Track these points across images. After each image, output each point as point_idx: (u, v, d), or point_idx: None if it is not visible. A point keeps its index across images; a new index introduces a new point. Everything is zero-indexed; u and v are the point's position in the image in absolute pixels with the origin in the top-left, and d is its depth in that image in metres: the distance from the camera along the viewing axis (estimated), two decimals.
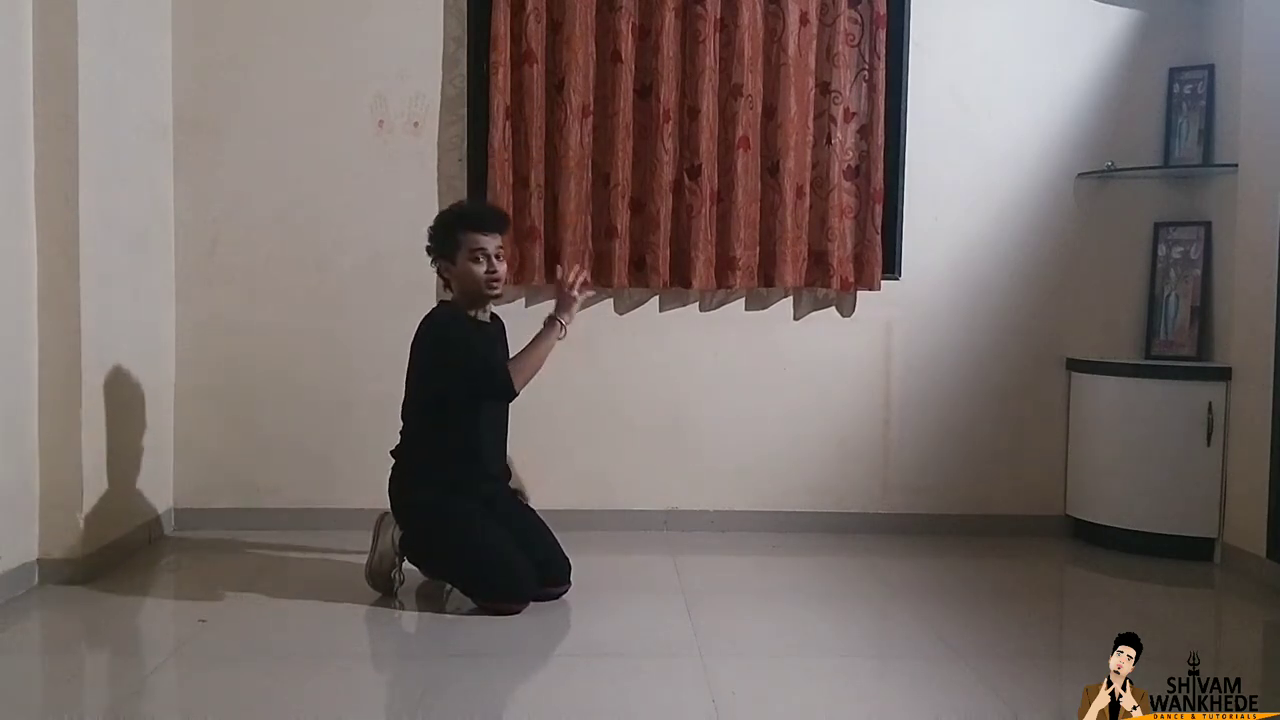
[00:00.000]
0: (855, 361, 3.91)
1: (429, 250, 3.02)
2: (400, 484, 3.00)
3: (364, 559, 3.09)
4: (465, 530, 2.91)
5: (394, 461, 3.03)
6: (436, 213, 3.86)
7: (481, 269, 2.94)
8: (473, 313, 3.01)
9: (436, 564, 3.01)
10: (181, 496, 3.79)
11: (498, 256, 2.97)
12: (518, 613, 2.87)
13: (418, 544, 2.96)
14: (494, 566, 2.88)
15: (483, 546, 2.90)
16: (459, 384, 2.90)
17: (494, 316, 3.14)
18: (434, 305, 3.10)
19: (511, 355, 2.99)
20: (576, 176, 3.73)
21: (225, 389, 3.79)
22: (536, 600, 2.92)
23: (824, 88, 3.80)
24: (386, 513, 3.07)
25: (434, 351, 2.91)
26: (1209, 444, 3.56)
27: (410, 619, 2.89)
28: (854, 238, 3.84)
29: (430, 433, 2.97)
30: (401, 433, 3.05)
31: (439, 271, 3.03)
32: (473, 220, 2.98)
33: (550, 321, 2.97)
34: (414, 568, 3.04)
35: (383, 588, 3.02)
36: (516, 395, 2.92)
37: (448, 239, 2.97)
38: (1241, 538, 3.47)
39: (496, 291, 2.98)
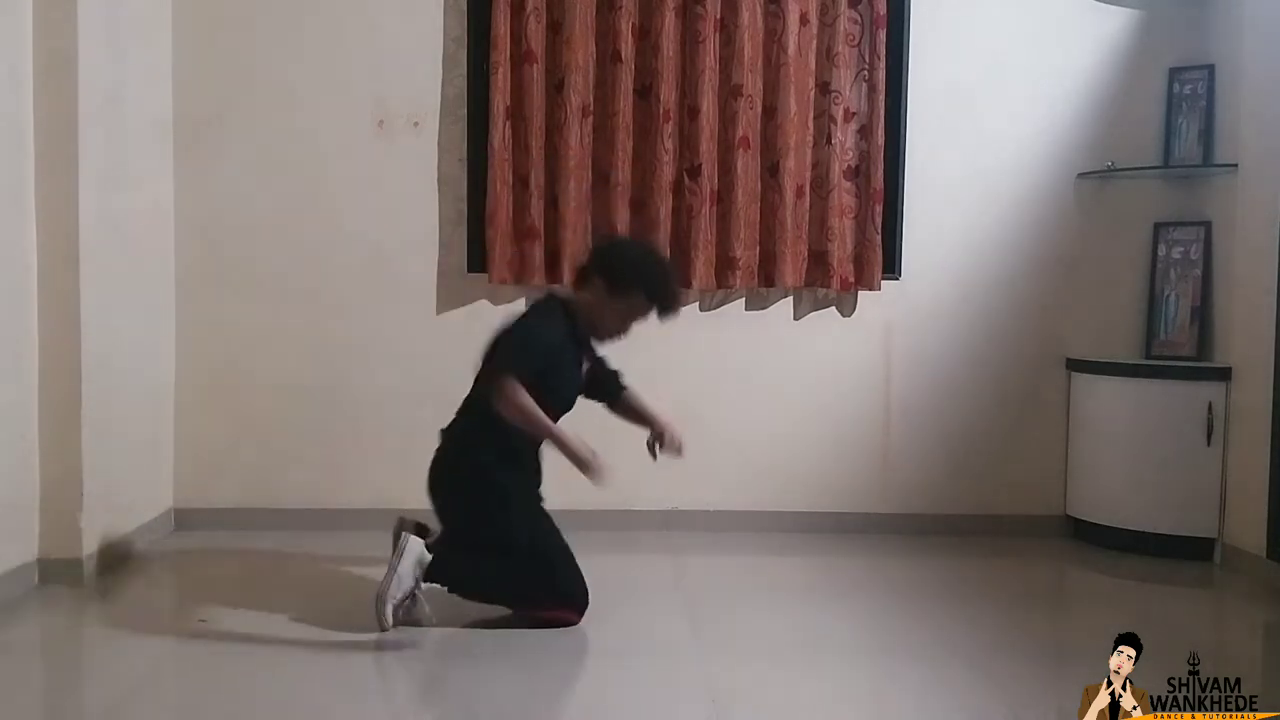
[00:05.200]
0: (855, 361, 3.91)
1: (602, 267, 2.83)
2: (457, 444, 2.80)
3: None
4: (530, 513, 2.77)
5: (443, 438, 2.84)
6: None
7: (625, 329, 2.88)
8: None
9: (482, 547, 2.68)
10: (181, 496, 3.78)
11: None
12: (576, 624, 2.72)
13: (467, 513, 2.71)
14: (563, 563, 2.73)
15: (551, 533, 2.76)
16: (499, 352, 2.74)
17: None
18: (539, 297, 2.98)
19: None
20: (576, 176, 3.73)
21: (225, 389, 3.78)
22: (549, 625, 2.75)
23: (824, 88, 3.79)
24: (404, 522, 2.80)
25: (516, 327, 2.80)
26: (1209, 444, 3.55)
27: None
28: (854, 238, 3.84)
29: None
30: (461, 409, 2.87)
31: (587, 282, 2.84)
32: (664, 304, 2.84)
33: (589, 458, 2.66)
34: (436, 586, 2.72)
35: (387, 619, 2.60)
36: (497, 410, 2.63)
37: (631, 286, 2.80)
38: (1241, 538, 3.47)
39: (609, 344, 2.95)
